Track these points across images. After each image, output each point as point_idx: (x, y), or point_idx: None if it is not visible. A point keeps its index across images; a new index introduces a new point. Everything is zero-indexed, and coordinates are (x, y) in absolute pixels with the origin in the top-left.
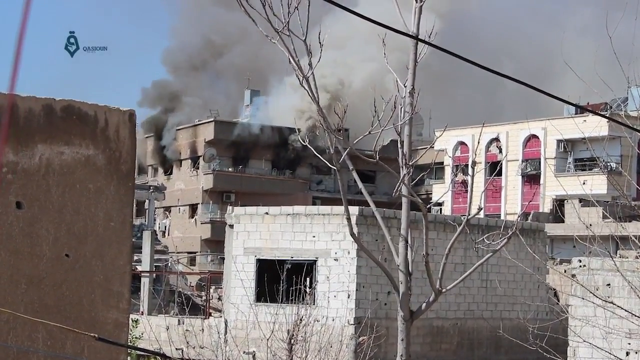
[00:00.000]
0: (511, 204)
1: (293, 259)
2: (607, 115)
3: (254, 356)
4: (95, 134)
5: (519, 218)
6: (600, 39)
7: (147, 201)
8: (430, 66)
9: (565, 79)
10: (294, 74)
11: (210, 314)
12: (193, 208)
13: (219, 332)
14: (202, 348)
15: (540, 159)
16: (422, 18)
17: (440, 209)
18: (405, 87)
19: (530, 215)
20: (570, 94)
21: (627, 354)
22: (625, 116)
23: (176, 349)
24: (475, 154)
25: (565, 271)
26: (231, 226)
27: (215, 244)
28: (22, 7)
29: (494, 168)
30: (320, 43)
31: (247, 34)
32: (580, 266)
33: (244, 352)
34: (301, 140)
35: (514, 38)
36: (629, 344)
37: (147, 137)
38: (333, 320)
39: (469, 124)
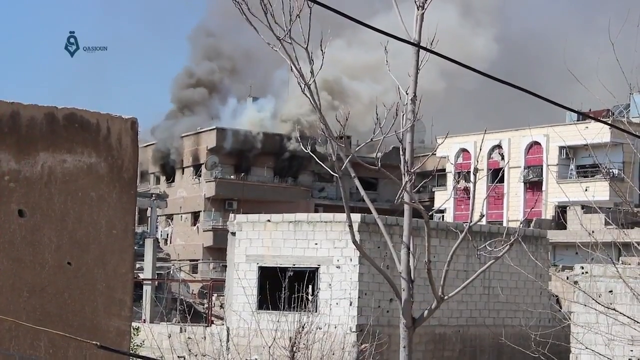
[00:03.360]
0: (513, 211)
1: (295, 266)
2: (610, 122)
3: None
4: (97, 142)
5: (521, 225)
6: (615, 45)
7: (149, 209)
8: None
9: (588, 84)
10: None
11: (212, 322)
12: (195, 216)
13: (221, 340)
14: (204, 356)
15: (542, 165)
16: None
17: (443, 216)
18: (407, 94)
19: (533, 222)
20: (582, 100)
21: None
22: (627, 122)
23: (178, 357)
24: (477, 161)
25: (567, 278)
26: (233, 234)
27: (218, 251)
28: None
29: (496, 175)
30: (322, 51)
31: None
32: (583, 273)
33: None
34: (303, 147)
35: (554, 44)
36: (632, 350)
37: (147, 145)
38: (335, 327)
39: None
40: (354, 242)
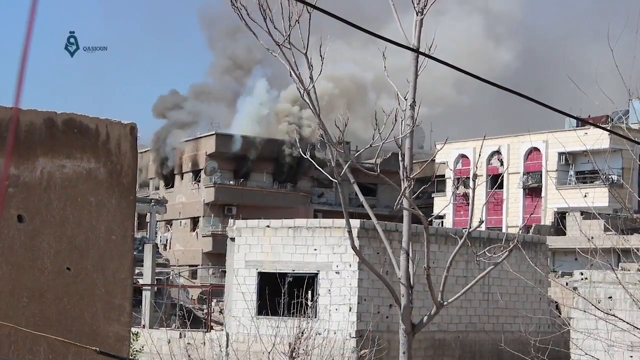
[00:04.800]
0: (512, 217)
1: (294, 272)
2: (609, 128)
3: None
4: (96, 147)
5: (521, 231)
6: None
7: (148, 214)
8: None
9: (595, 89)
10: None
11: (211, 327)
12: (194, 221)
13: (220, 346)
14: None
15: (541, 171)
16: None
17: (442, 222)
18: (406, 100)
19: (532, 228)
20: (581, 106)
21: None
22: (626, 129)
23: None
24: (477, 167)
25: (567, 284)
26: (232, 239)
27: (217, 257)
28: (26, 17)
29: (496, 181)
30: (321, 56)
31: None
32: (582, 279)
33: None
34: (302, 152)
35: (568, 50)
36: (631, 356)
37: (147, 150)
38: (334, 333)
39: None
40: (353, 247)
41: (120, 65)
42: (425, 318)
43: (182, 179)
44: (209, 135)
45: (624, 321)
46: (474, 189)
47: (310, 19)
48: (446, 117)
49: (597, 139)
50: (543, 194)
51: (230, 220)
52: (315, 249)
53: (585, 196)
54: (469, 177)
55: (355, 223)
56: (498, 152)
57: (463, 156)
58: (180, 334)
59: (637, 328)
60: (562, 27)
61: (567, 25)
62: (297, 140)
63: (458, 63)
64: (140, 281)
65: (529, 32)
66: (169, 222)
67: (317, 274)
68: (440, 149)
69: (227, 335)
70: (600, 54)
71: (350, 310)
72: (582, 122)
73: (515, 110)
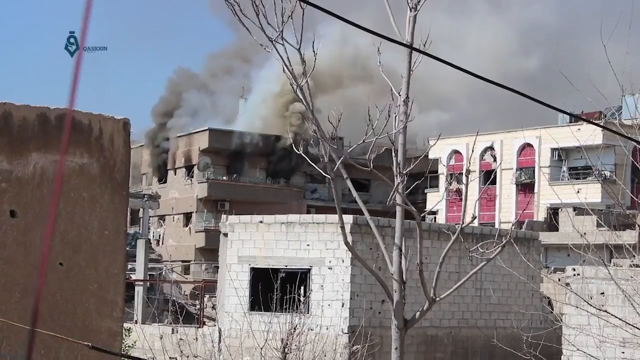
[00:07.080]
0: (505, 213)
1: (287, 267)
2: (602, 124)
3: None
4: (89, 142)
5: (513, 226)
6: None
7: (141, 210)
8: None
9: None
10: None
11: (204, 323)
12: (187, 217)
13: (212, 341)
14: (195, 357)
15: (534, 167)
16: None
17: (435, 218)
18: (399, 95)
19: (525, 224)
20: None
21: None
22: (619, 125)
23: (170, 358)
24: (470, 163)
25: (559, 280)
26: (225, 235)
27: (210, 252)
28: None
29: (489, 176)
30: (314, 52)
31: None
32: (575, 275)
33: None
34: (295, 149)
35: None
36: (623, 352)
37: (141, 145)
38: (327, 329)
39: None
40: (346, 243)
41: (121, 63)
42: (418, 314)
43: (175, 175)
44: (202, 130)
45: (616, 317)
46: (466, 185)
47: (303, 15)
48: (461, 123)
49: (590, 135)
50: (536, 190)
51: (223, 216)
52: (308, 245)
53: (578, 192)
54: (462, 173)
55: (348, 219)
56: (491, 148)
57: (456, 152)
58: (172, 329)
59: (629, 324)
60: (581, 24)
61: (581, 19)
62: (292, 138)
63: (476, 64)
64: (133, 277)
65: (552, 33)
66: (161, 218)
67: (309, 269)
68: (433, 144)
69: (220, 330)
70: (603, 48)
71: (342, 306)
72: (576, 118)
73: (509, 106)
